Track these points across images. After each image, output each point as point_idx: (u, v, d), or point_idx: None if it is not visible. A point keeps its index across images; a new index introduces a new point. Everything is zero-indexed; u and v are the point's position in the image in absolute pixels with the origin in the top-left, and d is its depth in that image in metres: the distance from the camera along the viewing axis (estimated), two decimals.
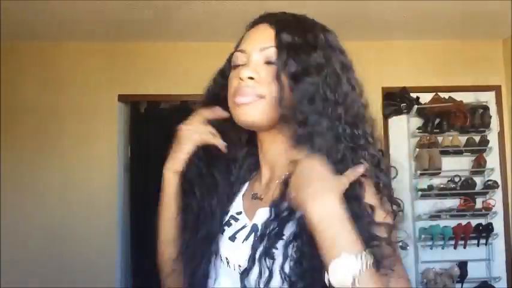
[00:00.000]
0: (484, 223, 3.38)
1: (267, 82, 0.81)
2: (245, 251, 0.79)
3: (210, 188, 0.92)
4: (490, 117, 3.43)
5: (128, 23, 3.04)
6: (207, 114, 0.91)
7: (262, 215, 0.82)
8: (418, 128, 3.46)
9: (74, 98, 3.39)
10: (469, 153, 3.45)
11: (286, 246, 0.74)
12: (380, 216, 0.76)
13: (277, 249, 0.75)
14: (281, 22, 0.85)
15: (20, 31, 3.16)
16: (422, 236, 3.36)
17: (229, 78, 0.87)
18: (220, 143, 0.91)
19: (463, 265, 3.31)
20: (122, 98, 3.46)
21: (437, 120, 3.45)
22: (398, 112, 3.44)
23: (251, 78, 0.81)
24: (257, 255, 0.76)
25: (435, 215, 3.39)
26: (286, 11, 0.92)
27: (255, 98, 0.81)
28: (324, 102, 0.79)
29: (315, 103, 0.78)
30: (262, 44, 0.83)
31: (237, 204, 0.91)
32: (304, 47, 0.81)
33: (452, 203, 3.42)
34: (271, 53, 0.82)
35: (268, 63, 0.82)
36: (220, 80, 0.92)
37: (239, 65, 0.85)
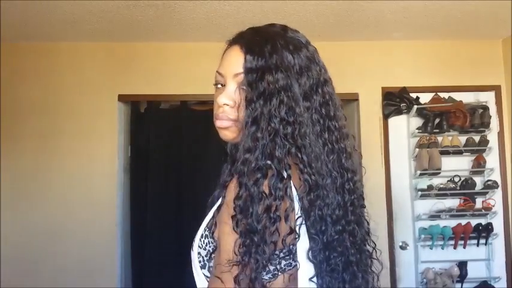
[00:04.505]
0: (483, 223, 3.38)
1: (240, 106, 0.90)
2: None
3: None
4: (490, 117, 3.43)
5: (128, 23, 3.04)
6: None
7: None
8: (418, 128, 3.46)
9: (74, 98, 3.39)
10: (469, 153, 3.46)
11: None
12: None
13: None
14: (250, 44, 0.91)
15: (20, 31, 3.16)
16: (422, 236, 3.36)
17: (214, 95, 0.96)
18: None
19: (463, 265, 3.31)
20: (122, 98, 3.46)
21: (437, 120, 3.45)
22: (398, 112, 3.44)
23: (226, 104, 0.91)
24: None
25: (435, 215, 3.39)
26: (261, 26, 0.97)
27: (230, 123, 0.91)
28: (265, 126, 0.85)
29: (251, 128, 0.85)
30: (234, 70, 0.91)
31: None
32: (264, 71, 0.87)
33: (452, 203, 3.42)
34: (242, 79, 0.90)
35: (241, 88, 0.90)
36: None
37: (219, 85, 0.94)
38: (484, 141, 3.42)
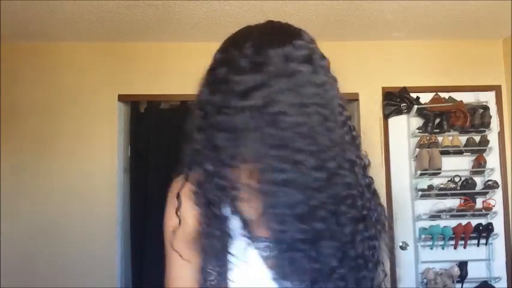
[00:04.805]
0: (484, 223, 3.38)
1: None
2: None
3: None
4: (490, 117, 3.43)
5: (128, 23, 3.04)
6: None
7: None
8: (418, 128, 3.45)
9: (74, 98, 3.39)
10: (469, 153, 3.46)
11: None
12: None
13: None
14: (224, 42, 0.95)
15: (20, 31, 3.16)
16: (423, 236, 3.36)
17: None
18: None
19: (463, 265, 3.31)
20: (122, 98, 3.46)
21: (437, 120, 3.45)
22: (398, 112, 3.44)
23: None
24: None
25: (435, 215, 3.39)
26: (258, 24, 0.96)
27: None
28: (209, 114, 0.91)
29: (196, 113, 0.92)
30: None
31: None
32: (215, 64, 0.93)
33: (452, 203, 3.42)
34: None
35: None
36: None
37: None
38: (485, 141, 3.42)
